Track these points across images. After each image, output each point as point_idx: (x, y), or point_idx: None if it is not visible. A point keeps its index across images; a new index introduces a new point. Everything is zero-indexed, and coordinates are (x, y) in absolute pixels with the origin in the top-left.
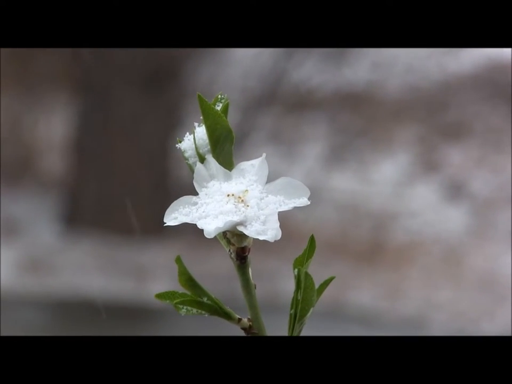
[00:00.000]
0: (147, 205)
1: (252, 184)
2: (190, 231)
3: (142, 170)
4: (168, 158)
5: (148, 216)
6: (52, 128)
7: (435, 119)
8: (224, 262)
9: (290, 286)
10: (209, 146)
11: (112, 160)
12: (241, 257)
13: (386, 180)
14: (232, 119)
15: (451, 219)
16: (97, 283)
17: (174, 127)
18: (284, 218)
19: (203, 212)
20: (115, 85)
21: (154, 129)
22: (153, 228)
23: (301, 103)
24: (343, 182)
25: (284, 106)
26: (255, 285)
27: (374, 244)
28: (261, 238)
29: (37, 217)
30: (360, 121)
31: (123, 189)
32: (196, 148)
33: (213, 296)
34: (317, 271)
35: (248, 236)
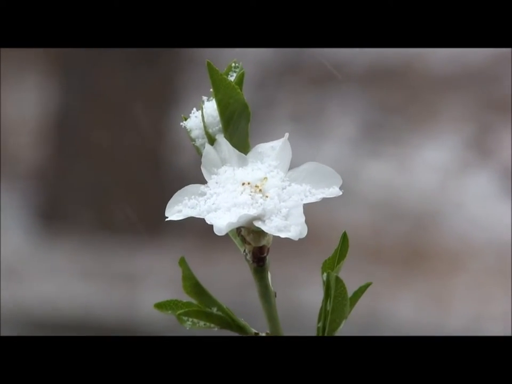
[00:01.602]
0: (139, 198)
1: (272, 171)
2: (191, 229)
3: (132, 157)
4: (163, 142)
5: (140, 212)
6: (27, 110)
7: (487, 95)
8: (233, 267)
9: (310, 295)
10: (220, 125)
11: (97, 145)
12: (259, 258)
13: (430, 168)
14: (246, 96)
15: (507, 216)
16: (79, 292)
17: (169, 106)
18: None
19: (213, 204)
20: (100, 58)
21: (146, 108)
22: (147, 225)
23: (326, 77)
24: (377, 171)
25: (307, 81)
26: (275, 293)
27: (415, 247)
28: (283, 235)
29: (8, 214)
30: (398, 97)
31: (110, 180)
32: (205, 126)
33: (224, 306)
34: (347, 280)
35: (267, 233)
